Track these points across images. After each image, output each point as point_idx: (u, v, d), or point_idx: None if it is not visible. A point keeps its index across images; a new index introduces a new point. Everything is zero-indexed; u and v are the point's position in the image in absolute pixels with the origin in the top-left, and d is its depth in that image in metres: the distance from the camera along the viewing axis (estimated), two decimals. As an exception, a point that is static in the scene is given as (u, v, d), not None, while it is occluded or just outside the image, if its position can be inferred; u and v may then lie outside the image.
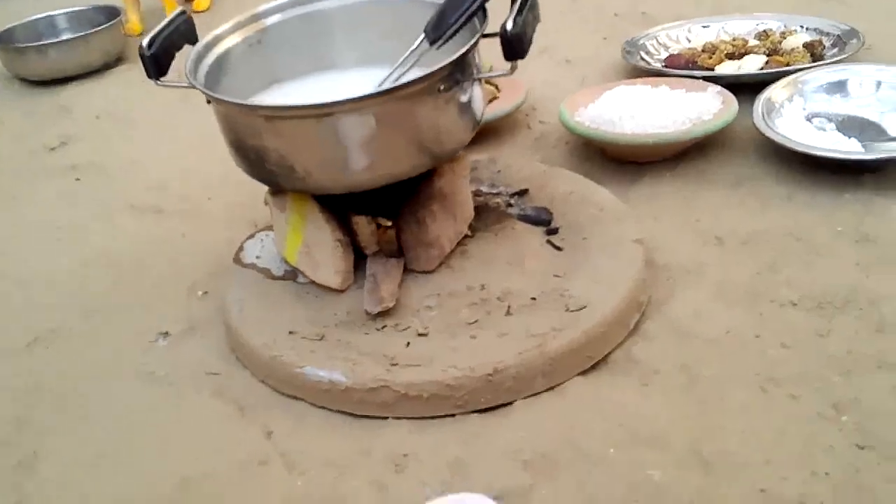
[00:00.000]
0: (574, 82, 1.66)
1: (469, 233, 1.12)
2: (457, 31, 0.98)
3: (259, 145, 0.96)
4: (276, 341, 0.98)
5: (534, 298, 1.00)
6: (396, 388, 0.90)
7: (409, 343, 0.96)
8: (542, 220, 1.15)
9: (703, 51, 1.61)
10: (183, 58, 1.03)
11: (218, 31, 1.09)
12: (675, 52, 1.64)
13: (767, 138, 1.24)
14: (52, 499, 0.88)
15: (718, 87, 1.36)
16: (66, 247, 1.32)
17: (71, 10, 2.18)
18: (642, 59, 1.63)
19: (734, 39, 1.63)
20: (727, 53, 1.57)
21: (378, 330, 0.99)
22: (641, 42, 1.68)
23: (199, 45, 1.06)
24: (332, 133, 0.92)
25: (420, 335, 0.97)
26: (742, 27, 1.70)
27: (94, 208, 1.42)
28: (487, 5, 0.98)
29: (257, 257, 1.15)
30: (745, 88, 1.38)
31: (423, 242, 1.05)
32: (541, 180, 1.24)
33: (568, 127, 1.32)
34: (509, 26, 0.89)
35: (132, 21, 2.22)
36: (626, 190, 1.26)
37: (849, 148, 1.22)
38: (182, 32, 1.06)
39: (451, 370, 0.90)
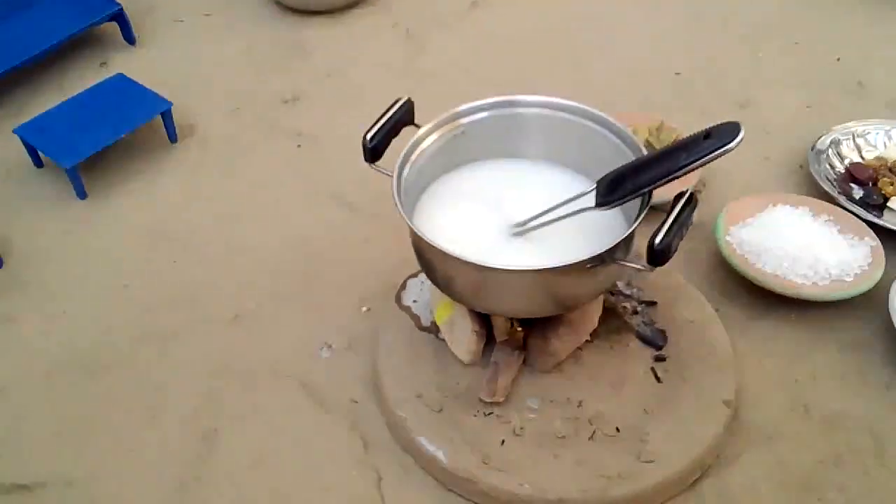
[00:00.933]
0: (754, 162, 1.73)
1: (589, 338, 1.31)
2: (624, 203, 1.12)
3: (432, 261, 1.17)
4: (406, 402, 1.23)
5: (618, 430, 1.20)
6: (482, 486, 1.14)
7: (503, 441, 1.19)
8: (656, 345, 1.32)
9: (890, 169, 1.64)
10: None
11: (424, 129, 1.25)
12: (863, 162, 1.67)
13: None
14: (222, 479, 1.20)
15: (875, 241, 1.43)
16: (275, 224, 1.60)
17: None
18: (829, 162, 1.66)
19: (927, 161, 1.64)
20: (910, 183, 1.60)
21: (485, 415, 1.22)
22: (835, 138, 1.71)
23: (408, 144, 1.23)
24: (485, 279, 1.11)
25: (516, 435, 1.20)
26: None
27: (305, 187, 1.68)
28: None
29: (414, 301, 1.39)
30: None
31: (544, 352, 1.25)
32: (671, 296, 1.39)
33: (717, 244, 1.45)
34: (657, 241, 1.00)
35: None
36: (748, 322, 1.40)
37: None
38: (402, 118, 1.21)
39: (525, 486, 1.13)
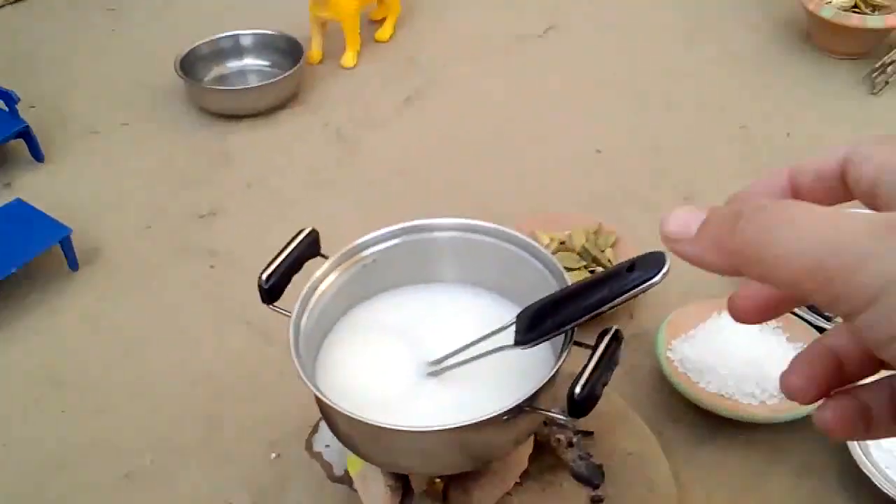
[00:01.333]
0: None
1: (519, 480, 1.18)
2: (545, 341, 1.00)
3: (331, 416, 1.04)
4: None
5: None
6: None
7: None
8: (592, 484, 1.19)
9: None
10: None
11: (324, 268, 1.13)
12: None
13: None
14: None
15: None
16: (179, 359, 1.47)
17: (258, 32, 2.27)
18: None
19: None
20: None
21: (403, 584, 1.08)
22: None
23: (306, 287, 1.10)
24: (387, 439, 0.98)
25: None
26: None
27: (215, 313, 1.55)
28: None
29: (326, 446, 1.25)
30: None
31: (465, 504, 1.12)
32: (610, 423, 1.26)
33: (657, 360, 1.33)
34: (577, 391, 0.88)
35: (314, 50, 2.29)
36: (693, 447, 1.27)
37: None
38: (303, 252, 1.10)
39: None
